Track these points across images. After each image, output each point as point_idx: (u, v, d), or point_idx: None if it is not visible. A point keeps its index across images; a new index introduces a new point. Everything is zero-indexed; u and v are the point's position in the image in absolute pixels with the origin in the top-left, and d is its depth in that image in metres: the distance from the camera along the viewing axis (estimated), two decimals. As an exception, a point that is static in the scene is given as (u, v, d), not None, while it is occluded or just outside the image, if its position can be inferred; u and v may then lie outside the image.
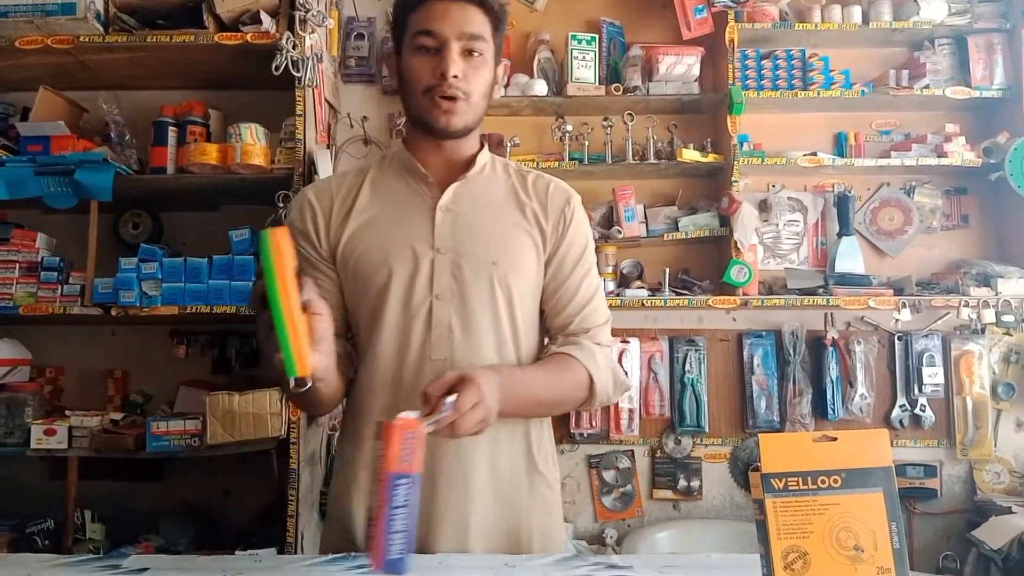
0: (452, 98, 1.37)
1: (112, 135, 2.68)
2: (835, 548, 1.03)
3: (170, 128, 2.68)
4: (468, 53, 1.37)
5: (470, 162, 1.47)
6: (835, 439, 1.07)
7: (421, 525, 1.33)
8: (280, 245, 1.07)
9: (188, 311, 2.55)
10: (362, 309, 1.44)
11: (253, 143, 2.61)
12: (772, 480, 1.04)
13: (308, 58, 2.56)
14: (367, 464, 1.42)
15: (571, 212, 1.50)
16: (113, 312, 2.55)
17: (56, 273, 2.60)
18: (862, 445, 1.07)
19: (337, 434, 1.57)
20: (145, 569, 1.23)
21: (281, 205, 2.52)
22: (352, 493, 1.44)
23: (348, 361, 1.47)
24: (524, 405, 1.38)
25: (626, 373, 2.90)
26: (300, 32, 2.55)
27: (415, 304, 1.39)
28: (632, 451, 3.02)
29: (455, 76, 1.35)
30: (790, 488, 1.04)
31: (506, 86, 2.88)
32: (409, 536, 1.09)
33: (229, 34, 2.59)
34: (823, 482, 1.05)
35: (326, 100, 2.81)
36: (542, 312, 1.51)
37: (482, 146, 1.51)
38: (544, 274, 1.48)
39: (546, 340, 1.52)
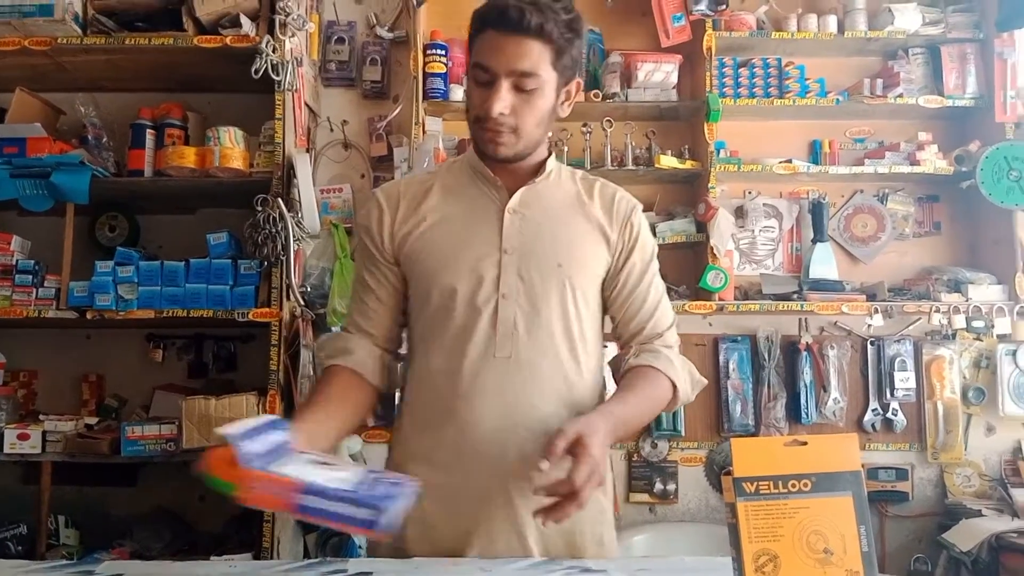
0: (497, 132, 1.40)
1: (89, 137, 2.67)
2: (805, 551, 1.04)
3: (148, 131, 2.67)
4: (519, 88, 1.38)
5: (538, 168, 1.51)
6: (805, 443, 1.08)
7: (480, 531, 1.39)
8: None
9: (164, 315, 2.53)
10: (428, 306, 1.47)
11: (232, 146, 2.61)
12: (744, 484, 1.06)
13: (288, 62, 2.57)
14: (420, 455, 1.45)
15: (638, 220, 1.54)
16: (88, 315, 2.53)
17: (31, 276, 2.58)
18: (832, 449, 1.09)
19: (395, 424, 1.58)
20: (119, 575, 1.23)
21: (259, 209, 2.52)
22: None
23: (391, 372, 1.54)
24: (625, 435, 1.45)
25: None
26: (280, 36, 2.55)
27: (481, 302, 1.42)
28: (609, 455, 3.03)
29: (501, 113, 1.38)
30: (761, 492, 1.06)
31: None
32: (358, 500, 1.07)
33: (208, 37, 2.58)
34: (793, 486, 1.06)
35: (306, 104, 2.81)
36: (606, 313, 1.56)
37: (550, 153, 1.54)
38: (612, 280, 1.52)
39: (617, 346, 1.57)
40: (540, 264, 1.44)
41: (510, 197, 1.47)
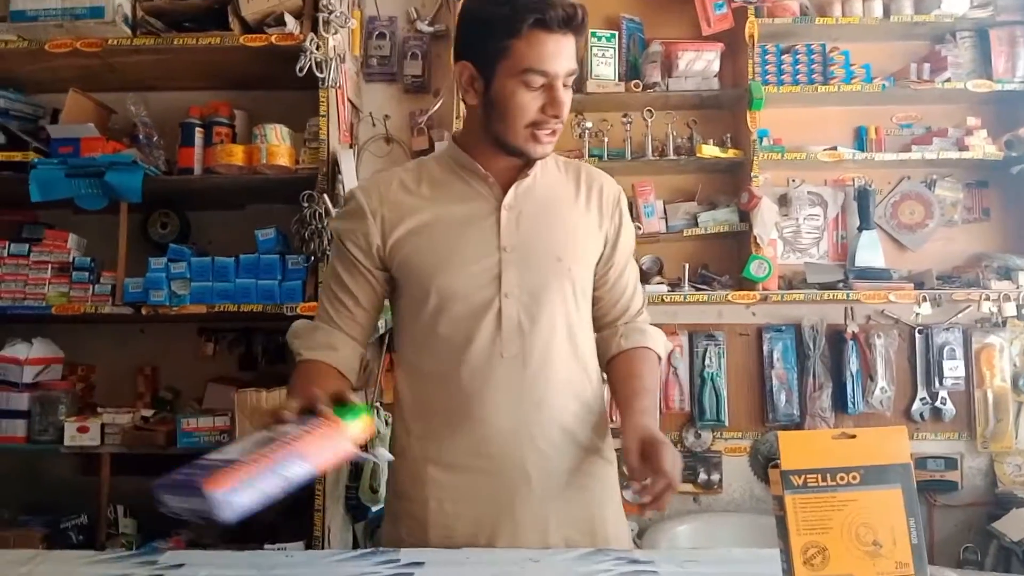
0: (555, 131, 1.40)
1: (140, 136, 2.72)
2: (854, 544, 1.04)
3: (197, 129, 2.72)
4: (565, 85, 1.38)
5: (527, 161, 1.47)
6: (854, 436, 1.08)
7: (503, 529, 1.41)
8: None
9: (216, 309, 2.59)
10: (425, 308, 1.44)
11: (278, 143, 2.65)
12: (791, 477, 1.06)
13: (331, 59, 2.59)
14: (434, 458, 1.45)
15: (624, 205, 1.57)
16: (143, 311, 2.60)
17: (87, 273, 2.65)
18: (880, 442, 1.09)
19: (390, 429, 1.61)
20: (181, 565, 1.27)
21: (305, 205, 2.56)
22: (420, 490, 1.46)
23: (365, 372, 1.56)
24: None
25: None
26: (324, 33, 2.58)
27: (482, 303, 1.42)
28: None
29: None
30: (809, 485, 1.06)
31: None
32: (254, 495, 1.04)
33: (254, 36, 2.62)
34: (842, 479, 1.06)
35: (349, 100, 2.84)
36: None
37: None
38: (603, 265, 1.54)
39: (601, 325, 1.59)
40: (540, 260, 1.44)
41: (504, 193, 1.45)
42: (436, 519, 1.43)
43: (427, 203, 1.46)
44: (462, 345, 1.42)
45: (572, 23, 1.33)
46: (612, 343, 1.54)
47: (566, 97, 1.37)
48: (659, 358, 1.55)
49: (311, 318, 2.49)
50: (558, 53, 1.34)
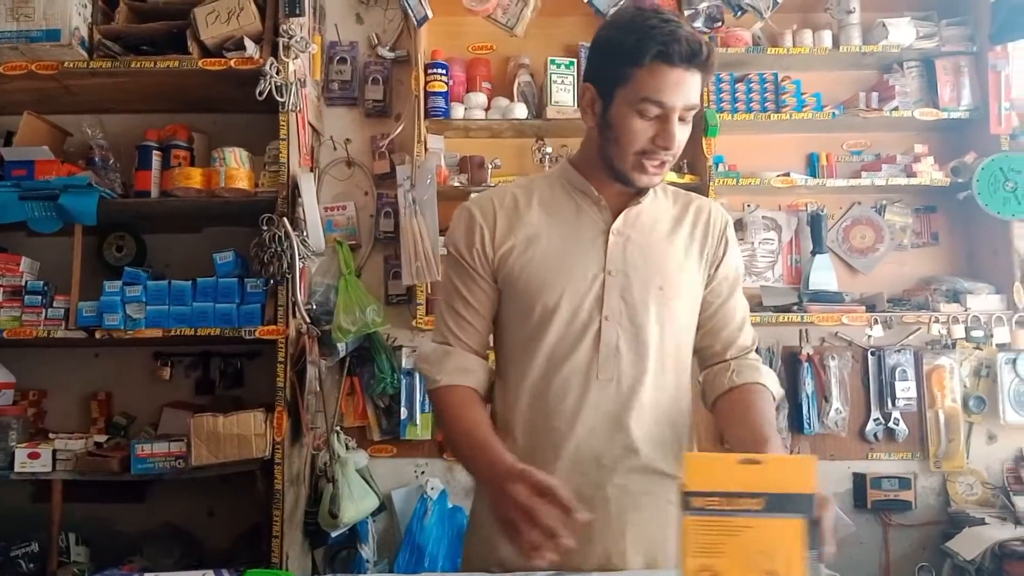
0: (664, 162, 1.40)
1: (96, 159, 2.71)
2: (747, 571, 1.03)
3: (154, 152, 2.71)
4: (682, 119, 1.38)
5: (639, 189, 1.48)
6: (759, 462, 1.07)
7: (616, 542, 1.42)
8: None
9: (172, 333, 2.57)
10: (524, 323, 1.47)
11: (237, 167, 2.64)
12: (693, 499, 1.05)
13: (291, 83, 2.60)
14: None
15: (731, 235, 1.56)
16: (97, 335, 2.56)
17: (40, 297, 2.62)
18: (788, 470, 1.07)
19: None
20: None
21: (265, 228, 2.55)
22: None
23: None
24: None
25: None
26: (283, 58, 2.59)
27: (582, 323, 1.43)
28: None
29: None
30: (709, 508, 1.04)
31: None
32: None
33: (213, 60, 2.63)
34: (743, 504, 1.04)
35: (309, 123, 2.85)
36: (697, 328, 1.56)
37: None
38: (707, 295, 1.54)
39: (698, 360, 1.58)
40: (643, 287, 1.45)
41: (614, 217, 1.47)
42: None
43: (537, 220, 1.49)
44: (559, 363, 1.44)
45: (696, 59, 1.34)
46: (723, 378, 1.51)
47: (681, 132, 1.38)
48: (774, 397, 1.51)
49: (271, 342, 2.53)
50: (677, 86, 1.34)
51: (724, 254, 1.54)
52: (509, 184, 1.59)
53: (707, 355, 1.57)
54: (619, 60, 1.37)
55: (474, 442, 1.39)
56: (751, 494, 1.04)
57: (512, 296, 1.49)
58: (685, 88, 1.35)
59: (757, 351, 1.61)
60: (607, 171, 1.46)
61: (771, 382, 1.51)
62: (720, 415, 1.52)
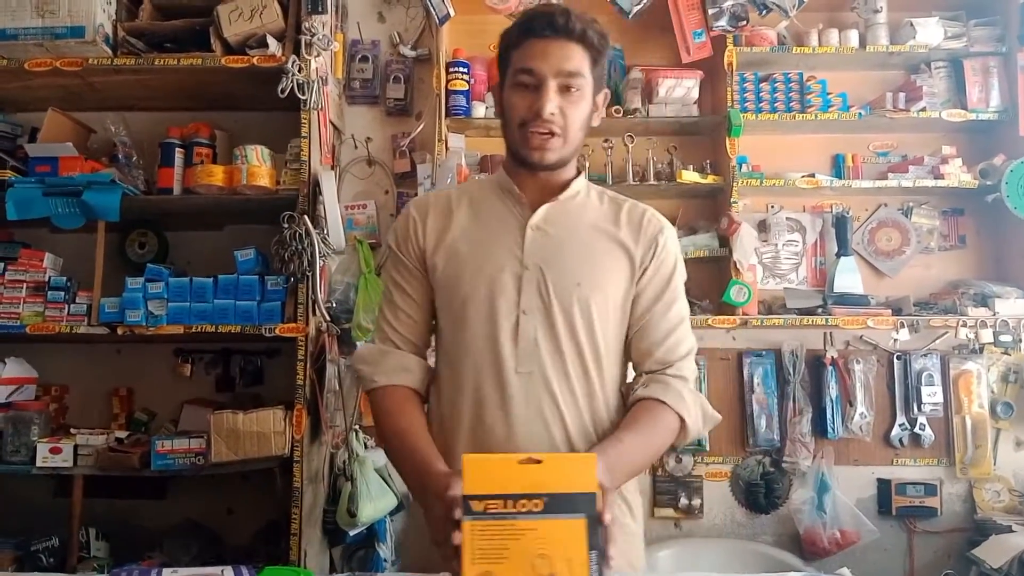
0: (547, 133, 1.42)
1: (119, 156, 2.72)
2: (529, 575, 1.00)
3: (177, 149, 2.72)
4: (565, 89, 1.42)
5: (565, 187, 1.52)
6: (540, 461, 1.04)
7: None
8: None
9: (193, 330, 2.57)
10: (450, 317, 1.50)
11: (259, 164, 2.65)
12: (472, 502, 1.02)
13: (313, 81, 2.60)
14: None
15: (663, 240, 1.52)
16: (119, 331, 2.57)
17: (63, 292, 2.63)
18: (567, 469, 1.05)
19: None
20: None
21: (286, 226, 2.55)
22: None
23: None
24: (628, 476, 1.41)
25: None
26: (305, 55, 2.59)
27: (501, 317, 1.44)
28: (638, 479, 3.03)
29: (551, 113, 1.41)
30: (490, 511, 1.01)
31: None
32: None
33: (235, 57, 2.63)
34: (523, 506, 1.01)
35: (331, 122, 2.85)
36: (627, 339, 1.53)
37: (578, 172, 1.56)
38: (634, 301, 1.51)
39: (631, 372, 1.56)
40: (559, 282, 1.45)
41: (533, 213, 1.49)
42: None
43: (464, 218, 1.53)
44: (483, 358, 1.45)
45: (560, 27, 1.41)
46: (632, 391, 1.49)
47: (567, 104, 1.42)
48: (682, 420, 1.43)
49: (291, 340, 2.52)
50: (544, 53, 1.41)
51: (653, 259, 1.50)
52: (450, 189, 1.65)
53: (633, 365, 1.55)
54: (504, 49, 1.49)
55: (405, 447, 1.41)
56: (531, 495, 1.02)
57: (438, 292, 1.52)
58: (553, 56, 1.41)
59: (699, 364, 1.54)
60: (516, 160, 1.50)
61: (678, 402, 1.43)
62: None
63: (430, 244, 1.52)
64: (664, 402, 1.43)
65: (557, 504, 1.02)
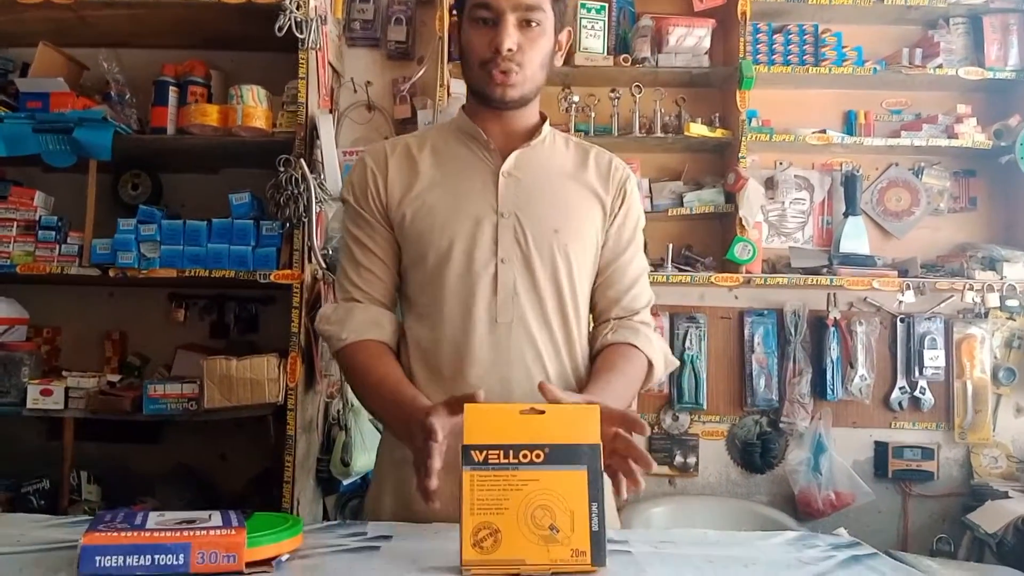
0: (507, 71, 1.37)
1: (112, 93, 2.64)
2: (529, 527, 0.99)
3: (171, 88, 2.64)
4: (525, 24, 1.37)
5: (532, 132, 1.48)
6: (543, 412, 1.04)
7: None
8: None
9: (186, 274, 2.52)
10: (422, 270, 1.44)
11: (255, 105, 2.57)
12: (472, 452, 1.01)
13: (312, 20, 2.51)
14: None
15: (631, 189, 1.52)
16: (111, 273, 2.52)
17: (54, 232, 2.57)
18: (570, 420, 1.04)
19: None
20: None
21: (282, 169, 2.48)
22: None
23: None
24: None
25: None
26: (305, -7, 2.50)
27: (479, 267, 1.41)
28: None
29: (510, 49, 1.36)
30: (490, 462, 1.00)
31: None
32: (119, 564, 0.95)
33: (233, -7, 2.54)
34: (524, 456, 1.01)
35: (329, 63, 2.77)
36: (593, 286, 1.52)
37: (544, 118, 1.52)
38: (601, 248, 1.50)
39: (590, 317, 1.54)
40: (537, 229, 1.42)
41: (503, 160, 1.45)
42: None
43: (429, 168, 1.47)
44: (461, 310, 1.41)
45: None
46: (599, 337, 1.49)
47: (527, 41, 1.37)
48: (650, 365, 1.46)
49: (286, 287, 2.48)
50: None
51: (620, 207, 1.50)
52: (404, 136, 1.57)
53: (595, 313, 1.53)
54: None
55: (385, 389, 1.36)
56: (533, 446, 1.01)
57: (407, 246, 1.46)
58: None
59: (655, 313, 1.56)
60: (479, 101, 1.45)
61: (648, 347, 1.46)
62: (590, 373, 1.47)
63: (394, 196, 1.45)
64: (636, 346, 1.45)
65: (559, 455, 1.01)
